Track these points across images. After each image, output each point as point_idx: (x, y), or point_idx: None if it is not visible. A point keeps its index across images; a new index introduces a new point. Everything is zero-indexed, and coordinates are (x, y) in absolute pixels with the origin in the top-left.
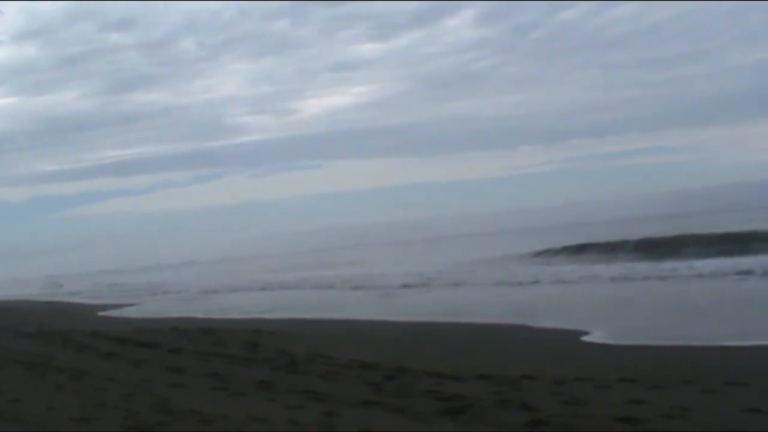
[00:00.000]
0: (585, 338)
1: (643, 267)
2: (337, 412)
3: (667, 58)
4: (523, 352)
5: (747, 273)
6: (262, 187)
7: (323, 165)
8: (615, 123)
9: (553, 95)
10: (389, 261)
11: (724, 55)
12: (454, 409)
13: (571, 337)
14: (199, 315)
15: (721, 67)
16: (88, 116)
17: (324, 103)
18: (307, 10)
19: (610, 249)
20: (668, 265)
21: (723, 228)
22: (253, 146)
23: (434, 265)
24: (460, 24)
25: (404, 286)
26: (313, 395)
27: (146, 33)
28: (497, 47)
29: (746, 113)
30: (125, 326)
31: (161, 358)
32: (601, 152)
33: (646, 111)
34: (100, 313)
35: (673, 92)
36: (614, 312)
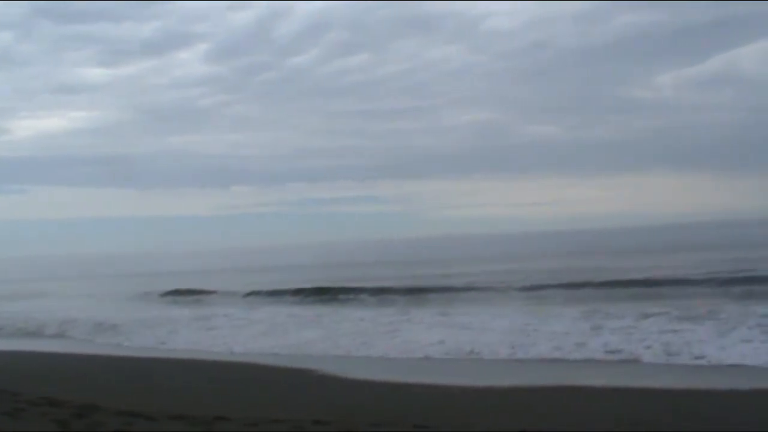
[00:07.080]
0: (310, 376)
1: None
2: None
3: (387, 111)
4: (226, 391)
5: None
6: None
7: (29, 190)
8: (330, 170)
9: (274, 138)
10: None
11: (439, 113)
12: None
13: (293, 376)
14: None
15: (436, 124)
16: None
17: (39, 125)
18: (36, 26)
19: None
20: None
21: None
22: None
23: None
24: (190, 58)
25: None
26: None
27: None
28: (225, 85)
29: (456, 170)
30: None
31: None
32: (313, 197)
33: (361, 160)
34: None
35: (388, 145)
36: (340, 351)
